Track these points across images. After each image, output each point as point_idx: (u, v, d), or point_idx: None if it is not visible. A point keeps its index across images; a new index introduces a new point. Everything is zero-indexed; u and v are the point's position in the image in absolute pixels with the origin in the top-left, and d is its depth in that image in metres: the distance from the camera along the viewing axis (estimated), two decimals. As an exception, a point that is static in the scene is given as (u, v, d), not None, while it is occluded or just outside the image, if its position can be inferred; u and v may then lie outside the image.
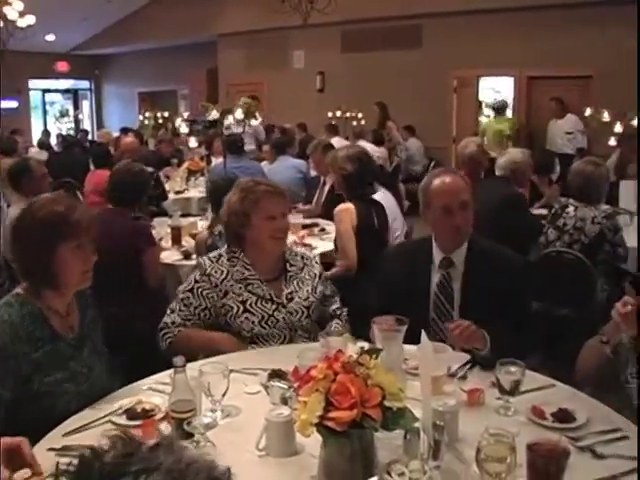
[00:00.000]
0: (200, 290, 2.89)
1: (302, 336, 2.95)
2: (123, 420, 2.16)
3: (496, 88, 13.69)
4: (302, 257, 3.10)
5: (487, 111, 13.01)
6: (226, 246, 3.04)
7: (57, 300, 2.32)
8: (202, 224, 5.28)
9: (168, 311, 2.92)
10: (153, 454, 0.91)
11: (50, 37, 16.20)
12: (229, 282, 2.90)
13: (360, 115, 12.30)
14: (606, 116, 8.60)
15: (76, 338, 2.36)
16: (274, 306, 2.90)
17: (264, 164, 7.55)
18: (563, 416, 2.12)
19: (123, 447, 0.92)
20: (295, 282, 2.99)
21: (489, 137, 11.15)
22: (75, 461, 0.92)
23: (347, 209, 4.28)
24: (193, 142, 7.33)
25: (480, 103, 12.95)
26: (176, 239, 4.92)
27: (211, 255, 3.01)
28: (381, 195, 4.83)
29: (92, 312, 2.51)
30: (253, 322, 2.86)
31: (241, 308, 2.87)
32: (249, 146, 9.21)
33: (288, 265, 3.01)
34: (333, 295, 3.16)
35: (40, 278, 2.27)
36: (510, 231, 4.20)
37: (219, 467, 0.96)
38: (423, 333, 1.93)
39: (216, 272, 2.91)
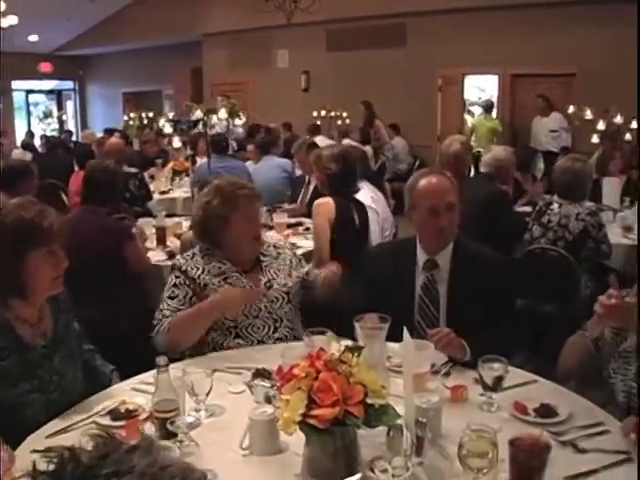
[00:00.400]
0: (182, 282, 2.88)
1: (287, 326, 2.95)
2: (107, 421, 2.16)
3: (481, 86, 13.78)
4: (274, 247, 3.15)
5: (476, 109, 13.11)
6: (198, 246, 3.05)
7: (26, 309, 2.26)
8: (187, 224, 5.26)
9: (158, 314, 2.85)
10: (128, 456, 0.89)
11: (33, 37, 16.12)
12: (207, 276, 2.89)
13: (345, 114, 12.32)
14: (588, 114, 8.63)
15: (48, 345, 2.31)
16: None
17: (249, 164, 7.54)
18: (545, 411, 2.13)
19: (103, 447, 0.90)
20: (271, 271, 3.02)
21: (480, 135, 11.24)
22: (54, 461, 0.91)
23: (325, 203, 4.31)
24: (177, 142, 7.31)
25: (465, 101, 13.01)
26: (161, 239, 4.90)
27: (184, 255, 3.02)
28: (372, 194, 4.82)
29: (66, 317, 2.45)
30: (236, 312, 2.85)
31: None
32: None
33: (261, 256, 3.05)
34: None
35: (9, 287, 2.21)
36: (494, 228, 4.22)
37: (196, 471, 0.93)
38: (405, 330, 1.93)
39: (192, 269, 2.91)
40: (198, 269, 2.90)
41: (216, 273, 2.91)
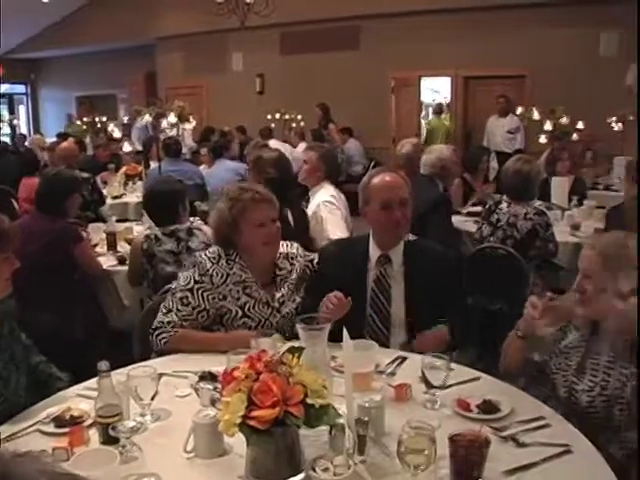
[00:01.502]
0: (200, 291, 2.85)
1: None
2: (51, 428, 2.14)
3: (435, 88, 13.91)
4: (287, 258, 3.04)
5: (432, 111, 13.25)
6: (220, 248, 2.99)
7: None
8: (138, 229, 5.22)
9: (163, 310, 2.84)
10: None
11: (-18, 40, 15.80)
12: (228, 286, 2.86)
13: (300, 117, 12.33)
14: (536, 114, 8.78)
15: None
16: (269, 310, 2.90)
17: (202, 168, 7.52)
18: (487, 407, 2.17)
19: None
20: (286, 285, 2.98)
21: (438, 136, 11.36)
22: None
23: None
24: (127, 146, 7.23)
25: (422, 103, 13.09)
26: (111, 244, 4.86)
27: (210, 255, 2.93)
28: (333, 193, 4.83)
29: (11, 324, 2.43)
30: (250, 327, 2.85)
31: (240, 312, 2.86)
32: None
33: (277, 269, 2.98)
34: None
35: None
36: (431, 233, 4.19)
37: None
38: (344, 331, 1.95)
39: (217, 274, 2.87)
40: (222, 276, 2.86)
41: (236, 281, 2.88)
